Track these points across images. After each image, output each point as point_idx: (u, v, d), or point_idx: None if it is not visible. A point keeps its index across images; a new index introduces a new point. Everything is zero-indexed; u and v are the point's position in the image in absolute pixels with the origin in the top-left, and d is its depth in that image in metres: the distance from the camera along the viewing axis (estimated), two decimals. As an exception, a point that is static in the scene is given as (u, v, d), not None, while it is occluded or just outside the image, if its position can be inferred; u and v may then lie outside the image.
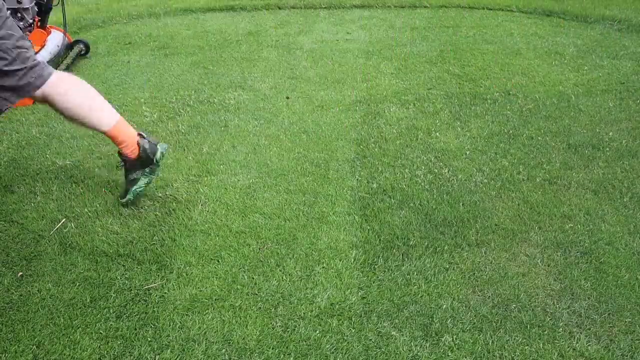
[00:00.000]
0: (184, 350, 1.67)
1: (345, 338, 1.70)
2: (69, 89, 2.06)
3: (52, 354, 1.66)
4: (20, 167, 2.67)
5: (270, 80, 3.60)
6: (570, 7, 4.91)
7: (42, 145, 2.87)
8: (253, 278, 1.94)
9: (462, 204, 2.31)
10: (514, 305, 1.81)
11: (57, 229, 2.21)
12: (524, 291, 1.86)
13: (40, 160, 2.73)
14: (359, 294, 1.87)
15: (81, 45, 4.11)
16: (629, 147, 2.71)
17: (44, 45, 3.64)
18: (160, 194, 2.42)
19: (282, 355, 1.65)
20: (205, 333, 1.72)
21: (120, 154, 2.26)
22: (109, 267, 2.01)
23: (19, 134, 3.00)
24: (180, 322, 1.77)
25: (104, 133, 2.18)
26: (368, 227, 2.18)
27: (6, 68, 1.85)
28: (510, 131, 2.88)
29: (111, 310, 1.82)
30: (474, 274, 1.95)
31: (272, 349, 1.67)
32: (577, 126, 2.92)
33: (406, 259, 2.02)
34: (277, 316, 1.78)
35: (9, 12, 1.98)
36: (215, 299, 1.85)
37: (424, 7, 5.10)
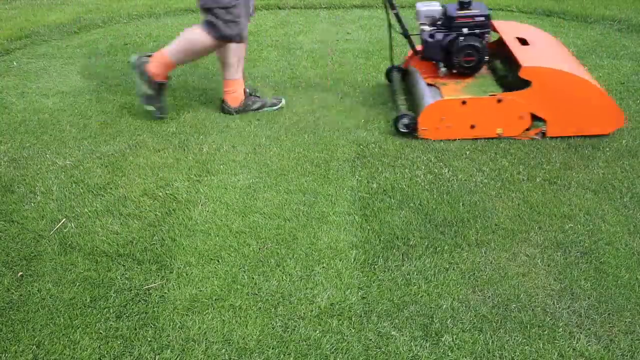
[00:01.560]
0: (184, 350, 1.67)
1: (345, 338, 1.70)
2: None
3: (52, 354, 1.67)
4: (20, 167, 2.67)
5: (270, 80, 3.60)
6: (570, 7, 4.91)
7: (42, 145, 2.87)
8: (253, 278, 1.94)
9: (462, 204, 2.31)
10: (514, 305, 1.81)
11: (57, 229, 2.21)
12: (524, 291, 1.86)
13: (40, 160, 2.73)
14: (359, 294, 1.87)
15: None
16: (629, 147, 2.71)
17: None
18: (160, 194, 2.42)
19: (282, 356, 1.65)
20: (205, 333, 1.72)
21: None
22: (109, 267, 2.01)
23: (20, 134, 3.01)
24: (180, 322, 1.77)
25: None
26: (368, 227, 2.18)
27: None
28: (510, 131, 2.88)
29: (111, 310, 1.82)
30: (474, 274, 1.95)
31: (272, 349, 1.67)
32: (577, 126, 2.91)
33: (406, 259, 2.02)
34: (277, 316, 1.78)
35: None
36: (215, 299, 1.85)
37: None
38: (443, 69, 3.08)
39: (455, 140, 2.79)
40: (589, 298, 1.83)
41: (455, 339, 1.69)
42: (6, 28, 4.73)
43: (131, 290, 1.90)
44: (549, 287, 1.88)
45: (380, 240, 2.12)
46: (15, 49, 4.36)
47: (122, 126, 3.05)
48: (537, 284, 1.89)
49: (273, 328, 1.74)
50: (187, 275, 1.97)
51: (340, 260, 2.02)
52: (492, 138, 2.81)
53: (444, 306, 1.81)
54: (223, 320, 1.77)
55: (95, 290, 1.91)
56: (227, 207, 2.33)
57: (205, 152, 2.75)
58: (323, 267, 1.99)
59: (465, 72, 3.04)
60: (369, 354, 1.65)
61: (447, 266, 1.98)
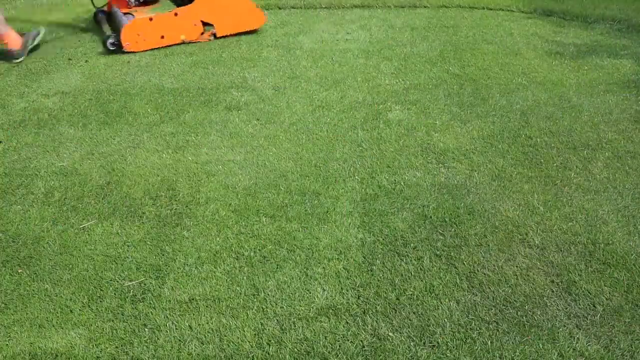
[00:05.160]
0: (180, 350, 1.67)
1: (342, 338, 1.70)
2: None
3: (49, 354, 1.66)
4: (20, 168, 2.67)
5: (270, 80, 3.59)
6: (570, 7, 4.90)
7: (42, 146, 2.87)
8: (252, 278, 1.94)
9: (462, 205, 2.30)
10: (513, 306, 1.80)
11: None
12: (523, 291, 1.86)
13: (40, 160, 2.73)
14: (357, 294, 1.86)
15: None
16: (628, 147, 2.71)
17: None
18: (159, 194, 2.42)
19: (279, 356, 1.64)
20: (202, 333, 1.72)
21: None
22: (107, 267, 2.01)
23: (19, 134, 3.01)
24: (177, 323, 1.76)
25: None
26: (368, 228, 2.18)
27: None
28: (511, 131, 2.88)
29: (109, 310, 1.82)
30: (473, 274, 1.94)
31: (269, 348, 1.66)
32: (578, 126, 2.91)
33: (405, 259, 2.02)
34: (274, 316, 1.78)
35: None
36: (213, 299, 1.85)
37: (424, 7, 5.09)
38: (132, 1, 4.28)
39: (455, 140, 2.78)
40: (588, 298, 1.83)
41: (454, 339, 1.68)
42: (6, 28, 4.72)
43: (129, 290, 1.90)
44: (548, 288, 1.88)
45: (379, 241, 2.11)
46: (16, 49, 4.36)
47: (122, 126, 3.05)
48: (536, 285, 1.89)
49: (270, 328, 1.74)
50: (185, 275, 1.96)
51: (339, 261, 2.01)
52: (179, 44, 4.10)
53: (442, 307, 1.80)
54: (220, 320, 1.77)
55: (93, 290, 1.90)
56: (227, 208, 2.32)
57: (205, 153, 2.75)
58: (322, 268, 1.98)
59: (148, 1, 4.32)
60: (366, 354, 1.64)
61: (446, 267, 1.98)
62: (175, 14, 4.00)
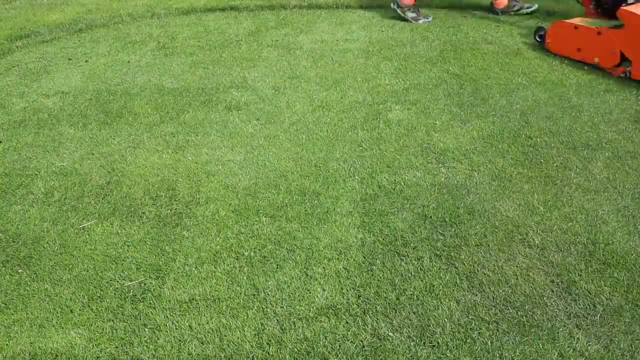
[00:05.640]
0: (180, 350, 1.67)
1: (342, 338, 1.70)
2: None
3: (49, 354, 1.66)
4: (20, 168, 2.67)
5: (270, 80, 3.60)
6: (571, 7, 4.89)
7: (42, 146, 2.87)
8: (252, 278, 1.94)
9: (462, 205, 2.30)
10: (513, 306, 1.80)
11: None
12: (523, 291, 1.86)
13: (40, 160, 2.73)
14: (357, 294, 1.86)
15: None
16: (628, 147, 2.71)
17: None
18: (159, 194, 2.42)
19: (279, 356, 1.64)
20: (202, 333, 1.72)
21: None
22: (107, 267, 2.01)
23: (19, 134, 3.01)
24: (177, 323, 1.77)
25: None
26: (368, 228, 2.18)
27: None
28: (511, 131, 2.88)
29: (109, 310, 1.82)
30: (473, 274, 1.94)
31: (270, 348, 1.66)
32: (577, 126, 2.91)
33: (405, 259, 2.02)
34: (274, 316, 1.78)
35: None
36: (213, 299, 1.85)
37: (424, 7, 5.09)
38: (591, 7, 3.82)
39: (455, 140, 2.78)
40: (588, 298, 1.83)
41: (454, 339, 1.69)
42: (6, 28, 4.73)
43: (129, 290, 1.90)
44: (548, 288, 1.88)
45: (379, 240, 2.11)
46: (16, 49, 4.37)
47: (122, 126, 3.05)
48: (536, 285, 1.89)
49: (270, 328, 1.74)
50: (186, 275, 1.97)
51: (339, 261, 2.01)
52: (591, 65, 3.54)
53: (443, 306, 1.80)
54: (220, 320, 1.77)
55: (93, 290, 1.91)
56: (227, 208, 2.32)
57: (205, 153, 2.75)
58: (322, 267, 1.98)
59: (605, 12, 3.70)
60: (366, 354, 1.65)
61: (446, 267, 1.98)
62: (599, 33, 3.43)
